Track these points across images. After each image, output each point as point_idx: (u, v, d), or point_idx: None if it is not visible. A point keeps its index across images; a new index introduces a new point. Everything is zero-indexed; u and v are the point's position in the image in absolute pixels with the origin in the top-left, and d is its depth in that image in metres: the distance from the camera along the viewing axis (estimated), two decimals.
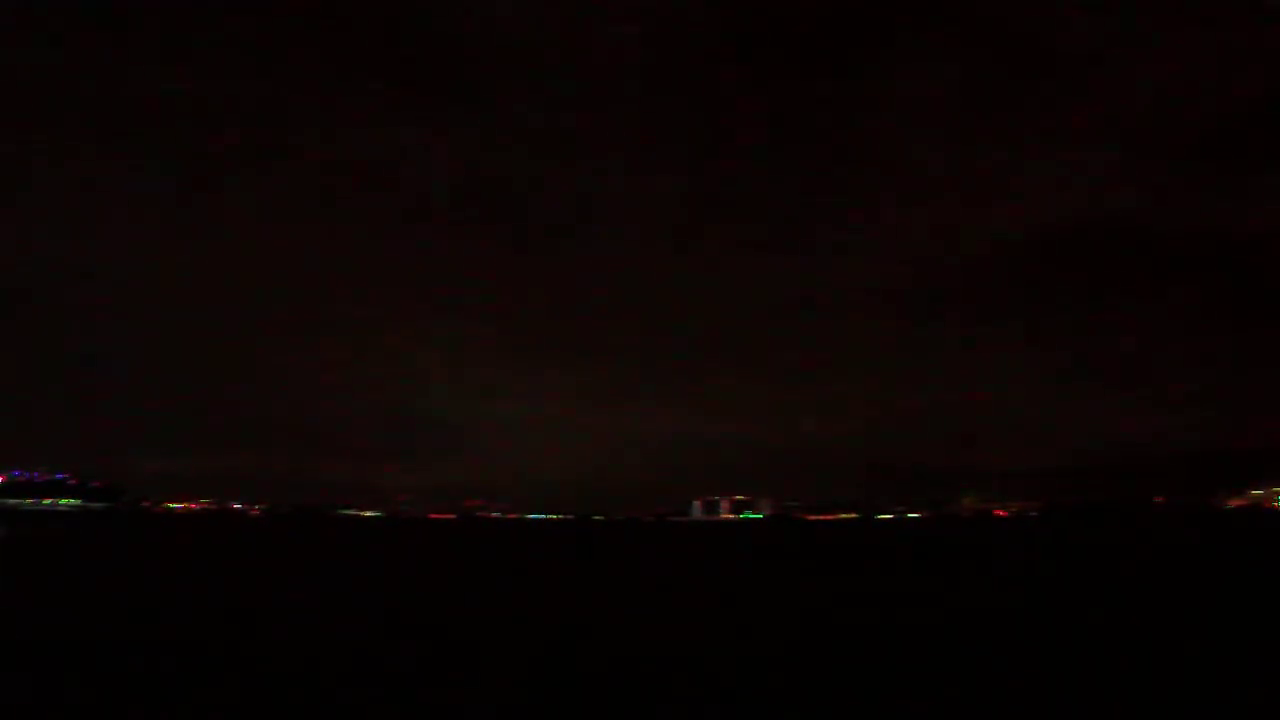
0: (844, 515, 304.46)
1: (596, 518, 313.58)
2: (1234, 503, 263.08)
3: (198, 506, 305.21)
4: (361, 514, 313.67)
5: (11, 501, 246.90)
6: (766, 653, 17.46)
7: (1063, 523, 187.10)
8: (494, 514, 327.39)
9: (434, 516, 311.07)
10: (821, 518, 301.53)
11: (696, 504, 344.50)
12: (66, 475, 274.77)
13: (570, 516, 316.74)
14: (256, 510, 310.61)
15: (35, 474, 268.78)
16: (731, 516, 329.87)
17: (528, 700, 13.29)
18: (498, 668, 15.93)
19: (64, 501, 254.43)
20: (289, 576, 38.78)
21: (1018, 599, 28.07)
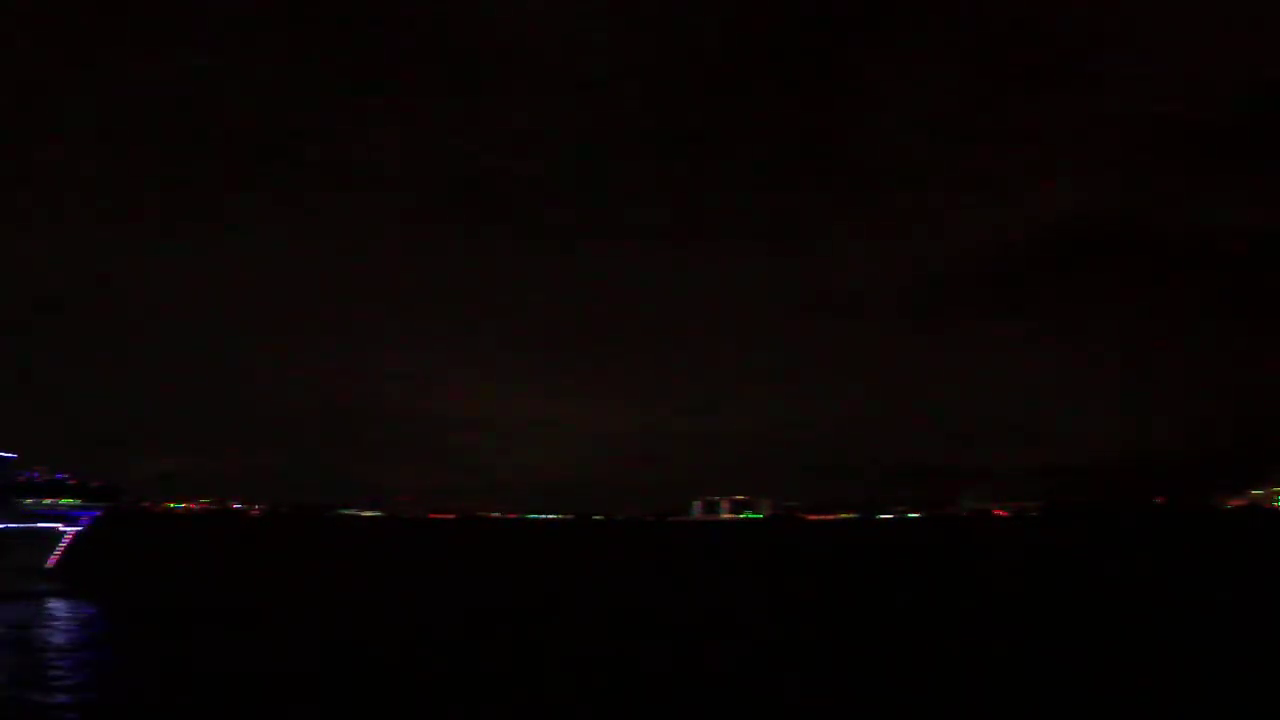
0: (844, 515, 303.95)
1: (596, 518, 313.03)
2: (1234, 503, 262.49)
3: (198, 506, 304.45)
4: (361, 514, 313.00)
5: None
6: (767, 653, 17.49)
7: (1063, 523, 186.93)
8: (494, 514, 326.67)
9: (434, 516, 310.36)
10: (821, 518, 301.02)
11: (696, 504, 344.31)
12: (66, 475, 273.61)
13: (570, 516, 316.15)
14: (256, 510, 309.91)
15: (35, 474, 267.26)
16: (731, 516, 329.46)
17: (528, 699, 13.31)
18: (497, 667, 15.95)
19: (64, 501, 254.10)
20: (291, 576, 38.73)
21: (1018, 599, 28.07)
